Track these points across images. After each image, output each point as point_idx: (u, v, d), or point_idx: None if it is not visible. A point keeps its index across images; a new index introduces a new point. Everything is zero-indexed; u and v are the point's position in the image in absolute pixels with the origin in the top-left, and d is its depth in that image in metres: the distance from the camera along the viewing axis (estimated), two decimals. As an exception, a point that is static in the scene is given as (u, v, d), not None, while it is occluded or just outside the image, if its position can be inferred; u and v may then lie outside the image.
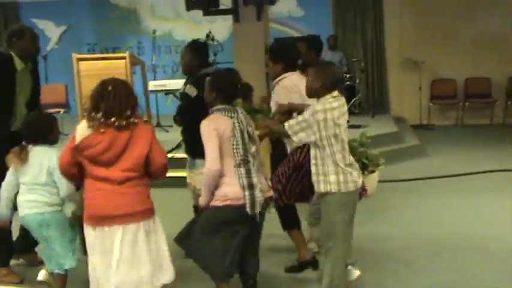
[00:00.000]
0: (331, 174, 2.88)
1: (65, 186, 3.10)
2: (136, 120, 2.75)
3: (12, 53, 3.66)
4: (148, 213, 2.82)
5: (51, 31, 10.33)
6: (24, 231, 3.91)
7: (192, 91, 3.72)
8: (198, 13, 7.12)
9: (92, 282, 2.85)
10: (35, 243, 3.97)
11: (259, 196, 2.92)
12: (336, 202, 2.91)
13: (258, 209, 2.91)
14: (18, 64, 3.67)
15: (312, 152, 2.95)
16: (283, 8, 9.81)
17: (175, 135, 7.31)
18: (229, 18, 8.40)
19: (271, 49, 3.73)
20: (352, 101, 8.93)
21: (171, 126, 8.38)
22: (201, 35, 9.94)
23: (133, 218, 2.73)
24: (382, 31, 9.78)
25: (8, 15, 10.55)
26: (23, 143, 3.20)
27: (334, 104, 2.86)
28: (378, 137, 6.90)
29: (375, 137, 6.71)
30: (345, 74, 9.00)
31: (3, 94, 3.60)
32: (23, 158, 3.13)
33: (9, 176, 3.24)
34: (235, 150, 2.89)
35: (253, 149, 2.96)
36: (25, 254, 4.00)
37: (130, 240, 2.74)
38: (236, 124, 2.90)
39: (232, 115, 2.92)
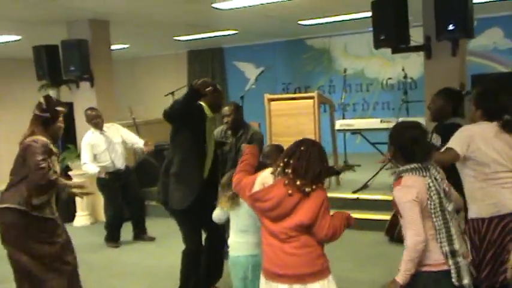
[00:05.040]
0: None
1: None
2: (314, 187, 2.65)
3: (202, 102, 3.88)
4: (317, 275, 2.66)
5: (250, 72, 11.08)
6: (207, 265, 4.13)
7: (437, 140, 3.66)
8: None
9: None
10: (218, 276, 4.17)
11: (463, 263, 2.57)
12: None
13: (466, 279, 2.55)
14: (208, 112, 3.91)
15: None
16: (488, 39, 9.00)
17: (362, 175, 7.16)
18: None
19: (476, 93, 3.38)
20: None
21: (359, 165, 8.24)
22: (394, 72, 9.72)
23: (298, 279, 2.62)
24: None
25: (214, 59, 11.64)
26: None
27: None
28: None
29: None
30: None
31: (197, 140, 3.82)
32: (236, 203, 3.27)
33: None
34: (433, 215, 2.58)
35: (450, 207, 2.61)
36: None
37: None
38: (431, 184, 2.58)
39: (425, 174, 2.61)
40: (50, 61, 7.06)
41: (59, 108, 3.67)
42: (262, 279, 2.76)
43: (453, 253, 2.55)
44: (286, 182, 2.64)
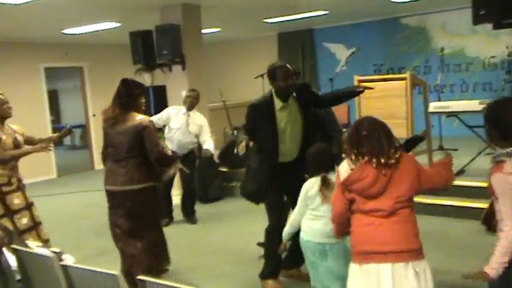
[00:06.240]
0: None
1: None
2: (397, 156, 2.59)
3: (273, 93, 3.86)
4: (417, 253, 2.55)
5: (340, 54, 10.82)
6: (293, 247, 4.11)
7: None
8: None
9: None
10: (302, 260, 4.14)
11: None
12: None
13: None
14: (277, 103, 3.83)
15: None
16: None
17: (458, 159, 6.73)
18: (531, 30, 7.36)
19: None
20: None
21: (456, 149, 7.80)
22: (497, 50, 9.06)
23: (400, 257, 2.50)
24: None
25: (304, 41, 11.50)
26: (322, 174, 3.31)
27: None
28: None
29: None
30: None
31: (265, 133, 3.87)
32: (330, 189, 3.20)
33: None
34: None
35: None
36: (292, 270, 4.20)
37: (401, 282, 2.49)
38: None
39: None
40: (144, 46, 7.35)
41: (136, 91, 4.01)
42: (355, 266, 2.62)
43: None
44: (374, 165, 2.56)
